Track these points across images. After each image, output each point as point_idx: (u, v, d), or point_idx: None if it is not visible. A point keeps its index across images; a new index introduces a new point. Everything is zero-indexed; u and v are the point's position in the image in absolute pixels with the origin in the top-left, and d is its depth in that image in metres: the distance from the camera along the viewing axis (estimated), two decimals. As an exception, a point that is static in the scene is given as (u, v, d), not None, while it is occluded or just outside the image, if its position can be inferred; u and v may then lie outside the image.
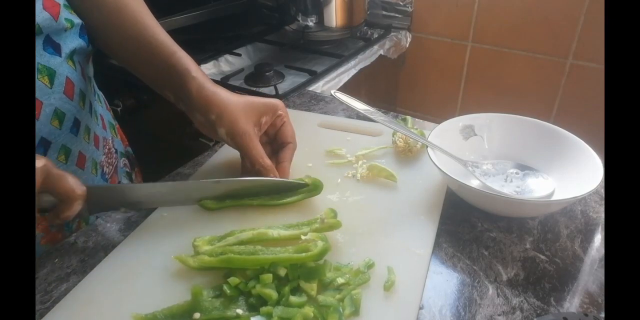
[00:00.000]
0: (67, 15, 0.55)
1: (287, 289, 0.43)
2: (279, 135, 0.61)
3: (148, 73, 0.60)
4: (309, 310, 0.41)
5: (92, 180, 0.63)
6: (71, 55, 0.56)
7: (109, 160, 0.69)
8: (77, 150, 0.59)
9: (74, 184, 0.46)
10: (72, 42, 0.56)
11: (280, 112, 0.59)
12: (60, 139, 0.56)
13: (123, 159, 0.75)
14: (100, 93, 0.72)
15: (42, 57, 0.52)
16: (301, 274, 0.44)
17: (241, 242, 0.48)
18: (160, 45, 0.58)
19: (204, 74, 0.58)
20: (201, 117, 0.57)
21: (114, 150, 0.71)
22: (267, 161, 0.56)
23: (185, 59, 0.58)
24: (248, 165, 0.57)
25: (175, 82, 0.57)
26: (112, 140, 0.71)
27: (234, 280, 0.44)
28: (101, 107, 0.70)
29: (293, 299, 0.42)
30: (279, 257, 0.45)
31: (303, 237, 0.48)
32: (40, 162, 0.43)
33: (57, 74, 0.54)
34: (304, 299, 0.43)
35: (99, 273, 0.48)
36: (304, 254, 0.45)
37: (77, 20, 0.57)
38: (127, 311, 0.42)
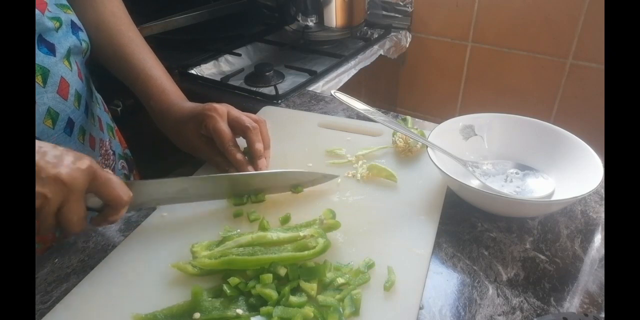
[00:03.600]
0: (53, 14, 0.55)
1: (287, 289, 0.43)
2: (232, 128, 0.59)
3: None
4: (309, 311, 0.41)
5: None
6: (67, 56, 0.57)
7: (106, 162, 0.69)
8: None
9: (121, 190, 0.45)
10: (66, 41, 0.57)
11: (208, 113, 0.58)
12: (53, 139, 0.56)
13: (121, 161, 0.75)
14: (99, 95, 0.72)
15: (36, 57, 0.52)
16: (301, 273, 0.44)
17: (240, 246, 0.48)
18: (131, 68, 0.63)
19: (160, 97, 0.62)
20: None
21: (111, 152, 0.71)
22: (219, 158, 0.59)
23: (146, 81, 0.63)
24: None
25: (141, 98, 0.64)
26: (110, 142, 0.71)
27: (234, 280, 0.44)
28: (99, 108, 0.70)
29: (293, 299, 0.42)
30: (281, 256, 0.45)
31: (301, 234, 0.48)
32: (84, 163, 0.42)
33: (51, 74, 0.54)
34: (304, 299, 0.43)
35: (99, 273, 0.48)
36: (306, 252, 0.45)
37: (64, 17, 0.57)
38: (127, 311, 0.42)
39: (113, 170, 0.71)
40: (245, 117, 0.59)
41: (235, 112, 0.60)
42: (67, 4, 0.60)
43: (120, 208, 0.46)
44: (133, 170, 0.79)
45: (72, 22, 0.59)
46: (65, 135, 0.57)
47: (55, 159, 0.41)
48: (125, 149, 0.78)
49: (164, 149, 0.62)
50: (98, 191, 0.44)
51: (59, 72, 0.55)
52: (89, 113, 0.63)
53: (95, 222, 0.47)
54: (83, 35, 0.61)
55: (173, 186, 0.53)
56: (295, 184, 0.57)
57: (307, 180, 0.58)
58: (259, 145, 0.59)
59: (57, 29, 0.55)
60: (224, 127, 0.58)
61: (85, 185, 0.42)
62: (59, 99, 0.55)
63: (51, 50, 0.54)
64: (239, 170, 0.58)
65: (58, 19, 0.56)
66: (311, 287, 0.44)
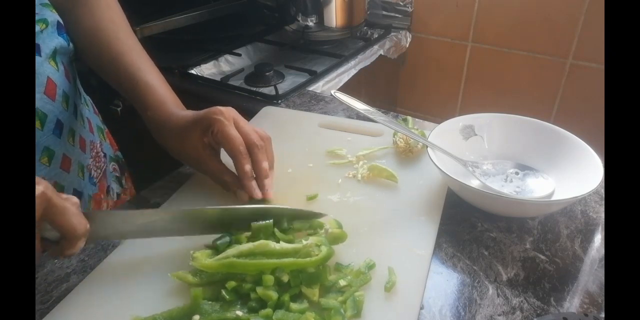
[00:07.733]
0: (40, 16, 0.55)
1: (286, 297, 0.43)
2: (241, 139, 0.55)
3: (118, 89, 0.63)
4: (309, 316, 0.41)
5: (78, 183, 0.62)
6: (53, 56, 0.56)
7: (97, 164, 0.68)
8: (61, 152, 0.58)
9: (76, 222, 0.40)
10: (51, 41, 0.56)
11: (215, 117, 0.53)
12: (42, 140, 0.55)
13: (112, 163, 0.74)
14: (88, 97, 0.71)
15: None
16: (303, 279, 0.44)
17: (241, 255, 0.46)
18: (129, 77, 0.60)
19: (160, 108, 0.59)
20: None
21: (103, 154, 0.70)
22: (228, 178, 0.55)
23: (144, 91, 0.60)
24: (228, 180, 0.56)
25: (138, 108, 0.61)
26: (101, 144, 0.70)
27: (230, 283, 0.43)
28: (88, 110, 0.69)
29: (294, 306, 0.42)
30: (283, 262, 0.44)
31: (304, 242, 0.47)
32: (39, 187, 0.37)
33: (37, 74, 0.53)
34: (304, 305, 0.42)
35: (99, 273, 0.48)
36: (308, 259, 0.44)
37: (50, 18, 0.57)
38: (126, 313, 0.42)
39: (104, 172, 0.70)
40: (253, 133, 0.55)
41: (243, 123, 0.55)
42: (48, 2, 0.58)
43: (75, 240, 0.41)
44: (125, 172, 0.78)
45: (58, 22, 0.58)
46: (55, 136, 0.56)
47: None
48: (116, 151, 0.77)
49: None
50: (52, 220, 0.39)
51: (45, 72, 0.54)
52: (77, 114, 0.62)
53: (52, 253, 0.43)
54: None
55: (139, 219, 0.47)
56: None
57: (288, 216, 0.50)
58: (266, 164, 0.55)
59: (42, 31, 0.55)
60: (233, 131, 0.53)
61: (38, 212, 0.37)
62: (46, 99, 0.54)
63: (37, 50, 0.53)
64: (241, 183, 0.54)
65: (44, 21, 0.55)
66: (313, 292, 0.43)
